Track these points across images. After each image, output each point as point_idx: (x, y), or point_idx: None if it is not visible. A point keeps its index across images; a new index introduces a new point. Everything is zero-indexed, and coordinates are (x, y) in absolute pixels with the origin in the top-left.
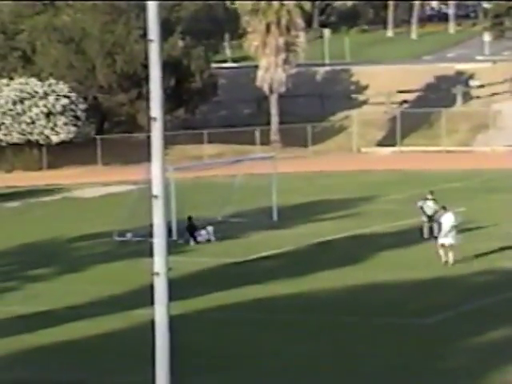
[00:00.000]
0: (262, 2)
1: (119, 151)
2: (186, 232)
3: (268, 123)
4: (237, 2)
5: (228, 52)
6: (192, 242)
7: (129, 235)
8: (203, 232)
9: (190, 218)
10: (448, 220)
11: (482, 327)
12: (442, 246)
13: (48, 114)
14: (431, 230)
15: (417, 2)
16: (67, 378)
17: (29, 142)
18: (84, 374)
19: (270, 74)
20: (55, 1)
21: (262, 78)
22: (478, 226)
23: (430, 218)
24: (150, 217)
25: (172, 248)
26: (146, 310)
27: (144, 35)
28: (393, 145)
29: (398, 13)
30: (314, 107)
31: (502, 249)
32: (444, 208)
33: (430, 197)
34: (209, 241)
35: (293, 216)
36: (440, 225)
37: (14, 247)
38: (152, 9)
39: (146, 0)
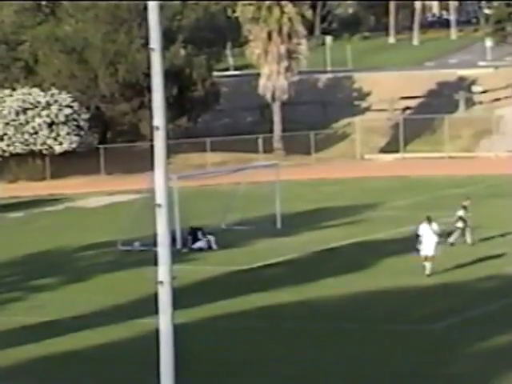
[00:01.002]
0: (264, 10)
1: (122, 160)
2: (188, 238)
3: (271, 131)
4: (238, 10)
5: (230, 60)
6: (185, 249)
7: (136, 244)
8: (202, 240)
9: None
10: (427, 231)
11: (487, 333)
12: (425, 258)
13: (51, 124)
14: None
15: (418, 8)
16: None
17: (32, 152)
18: (89, 383)
19: (272, 81)
20: (60, 0)
21: (265, 86)
22: (482, 232)
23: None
24: (154, 226)
25: (176, 257)
26: (150, 319)
27: (146, 44)
28: (396, 151)
29: (399, 19)
30: (317, 114)
31: (507, 254)
32: (428, 219)
33: (465, 203)
34: (210, 248)
35: (297, 223)
36: (419, 237)
37: (18, 257)
38: (153, 17)
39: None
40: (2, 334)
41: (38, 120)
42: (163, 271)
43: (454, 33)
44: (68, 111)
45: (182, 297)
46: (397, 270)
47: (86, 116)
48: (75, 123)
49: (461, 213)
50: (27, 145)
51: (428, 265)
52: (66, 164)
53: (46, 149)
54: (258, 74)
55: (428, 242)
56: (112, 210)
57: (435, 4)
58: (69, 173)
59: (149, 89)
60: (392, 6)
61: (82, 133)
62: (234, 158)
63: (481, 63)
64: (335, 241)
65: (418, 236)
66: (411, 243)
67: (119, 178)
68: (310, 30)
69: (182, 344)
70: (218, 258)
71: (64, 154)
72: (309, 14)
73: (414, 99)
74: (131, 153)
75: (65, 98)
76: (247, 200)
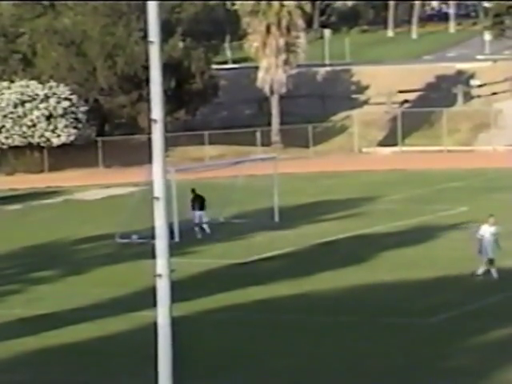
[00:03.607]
0: (263, 3)
1: (120, 153)
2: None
3: (269, 124)
4: (237, 3)
5: (228, 53)
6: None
7: (134, 237)
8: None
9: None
10: (488, 232)
11: (485, 326)
12: (490, 261)
13: (49, 117)
14: None
15: (417, 2)
16: (70, 380)
17: (30, 144)
18: (87, 376)
19: (271, 74)
20: (58, 1)
21: (263, 79)
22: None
23: None
24: (152, 218)
25: (174, 249)
26: (148, 312)
27: (144, 37)
28: (394, 145)
29: (398, 13)
30: (315, 108)
31: (505, 247)
32: (492, 215)
33: None
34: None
35: (295, 217)
36: (481, 240)
37: (16, 250)
38: (152, 10)
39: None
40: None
41: (36, 112)
42: (161, 264)
43: (452, 26)
44: (66, 104)
45: (181, 290)
46: (395, 263)
47: (84, 109)
48: (73, 116)
49: None
50: (25, 137)
51: (494, 269)
52: (64, 157)
53: (44, 141)
54: (257, 67)
55: (490, 244)
56: (110, 202)
57: None
58: (67, 165)
59: (147, 81)
60: None
61: (80, 125)
62: (232, 150)
63: (479, 57)
64: (333, 234)
65: (479, 238)
66: (409, 236)
67: (117, 171)
68: (309, 23)
69: (180, 337)
70: (215, 251)
71: (62, 146)
72: (308, 7)
73: (413, 93)
74: (129, 145)
75: (63, 90)
76: (245, 193)
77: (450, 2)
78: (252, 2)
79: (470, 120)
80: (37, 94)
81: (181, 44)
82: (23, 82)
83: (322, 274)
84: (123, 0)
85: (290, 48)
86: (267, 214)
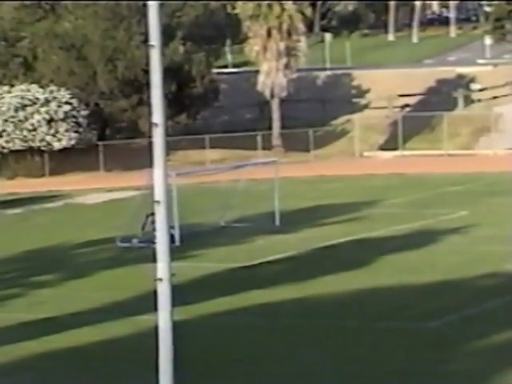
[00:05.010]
0: (264, 7)
1: (121, 157)
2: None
3: (270, 128)
4: (238, 8)
5: (229, 57)
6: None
7: (135, 240)
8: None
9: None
10: None
11: (485, 331)
12: None
13: (50, 121)
14: None
15: (418, 4)
16: None
17: (31, 148)
18: (88, 380)
19: (271, 78)
20: (60, 1)
21: (264, 83)
22: (481, 230)
23: None
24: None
25: (175, 253)
26: (149, 316)
27: (145, 41)
28: (395, 149)
29: (399, 17)
30: (316, 112)
31: (506, 252)
32: None
33: None
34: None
35: (296, 220)
36: None
37: (17, 254)
38: (153, 13)
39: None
40: (1, 331)
41: (36, 117)
42: (162, 268)
43: (453, 30)
44: (67, 108)
45: (181, 294)
46: (396, 267)
47: (84, 113)
48: (74, 120)
49: None
50: (26, 141)
51: None
52: (64, 161)
53: (44, 145)
54: (257, 71)
55: None
56: (111, 206)
57: (435, 2)
58: (68, 169)
59: (148, 85)
60: (392, 3)
61: (81, 129)
62: (233, 154)
63: (480, 61)
64: (334, 238)
65: None
66: (410, 240)
67: (118, 175)
68: (310, 27)
69: (181, 341)
70: (216, 254)
71: (63, 150)
72: (309, 11)
73: (413, 97)
74: (130, 149)
75: (64, 94)
76: (246, 197)
77: (451, 4)
78: (253, 6)
79: (471, 124)
80: (37, 98)
81: (181, 48)
82: (24, 86)
83: (324, 278)
84: (124, 0)
85: (290, 52)
86: (268, 217)
